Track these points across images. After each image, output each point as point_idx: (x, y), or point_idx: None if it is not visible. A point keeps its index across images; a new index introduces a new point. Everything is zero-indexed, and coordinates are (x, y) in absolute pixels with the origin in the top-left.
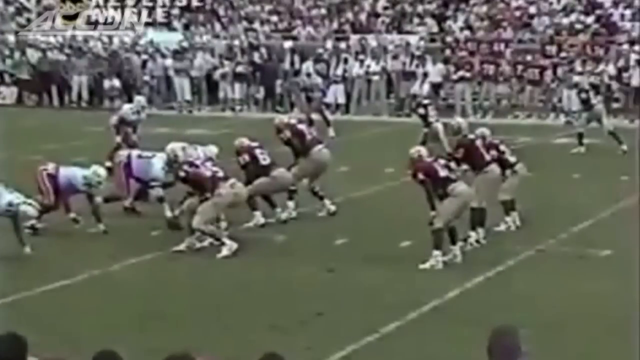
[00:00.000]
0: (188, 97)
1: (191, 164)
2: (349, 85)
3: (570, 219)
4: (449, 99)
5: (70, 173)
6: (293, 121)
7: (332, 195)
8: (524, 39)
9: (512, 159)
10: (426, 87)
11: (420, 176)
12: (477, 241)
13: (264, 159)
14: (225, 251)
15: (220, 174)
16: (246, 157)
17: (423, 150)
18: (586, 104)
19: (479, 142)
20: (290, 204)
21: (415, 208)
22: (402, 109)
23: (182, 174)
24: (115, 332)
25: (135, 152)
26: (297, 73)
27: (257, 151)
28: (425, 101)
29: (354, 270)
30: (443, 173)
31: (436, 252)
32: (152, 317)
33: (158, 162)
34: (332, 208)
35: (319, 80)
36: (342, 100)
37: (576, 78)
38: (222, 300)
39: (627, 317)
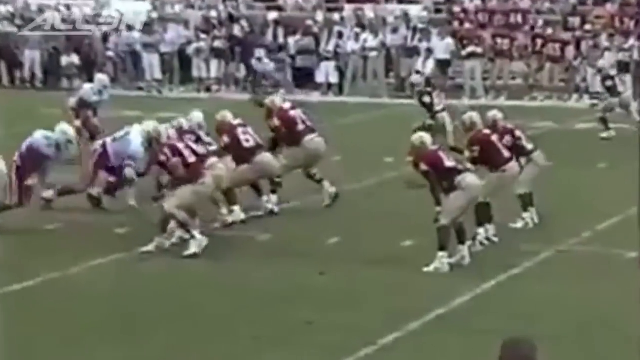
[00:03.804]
0: (158, 75)
1: (175, 151)
2: (342, 62)
3: (595, 215)
4: (456, 78)
5: (33, 140)
6: (286, 105)
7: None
8: (543, 9)
9: (528, 146)
10: (430, 65)
11: (423, 167)
12: (488, 239)
13: (247, 140)
14: (193, 248)
15: (205, 154)
16: (226, 138)
17: (427, 137)
18: (612, 91)
19: (495, 138)
20: (274, 197)
21: (418, 203)
22: (403, 89)
23: (162, 157)
24: (76, 343)
25: (109, 139)
26: (281, 49)
27: (240, 130)
28: (429, 88)
29: (348, 273)
30: (449, 163)
31: (441, 254)
32: (118, 327)
33: (136, 137)
34: (333, 190)
35: (271, 65)
36: (334, 79)
37: (600, 62)
38: (198, 307)
39: None
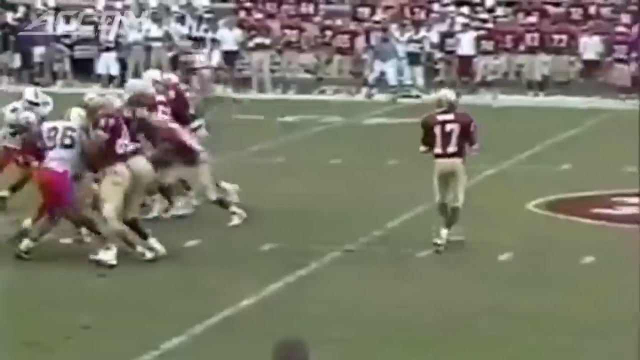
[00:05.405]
0: None
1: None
2: (124, 53)
3: (384, 213)
4: (244, 70)
5: None
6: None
7: None
8: None
9: None
10: (217, 57)
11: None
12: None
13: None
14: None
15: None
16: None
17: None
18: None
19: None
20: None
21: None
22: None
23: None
24: None
25: None
26: (58, 39)
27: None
28: None
29: (129, 273)
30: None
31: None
32: None
33: None
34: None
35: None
36: (115, 71)
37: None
38: None
39: (449, 327)
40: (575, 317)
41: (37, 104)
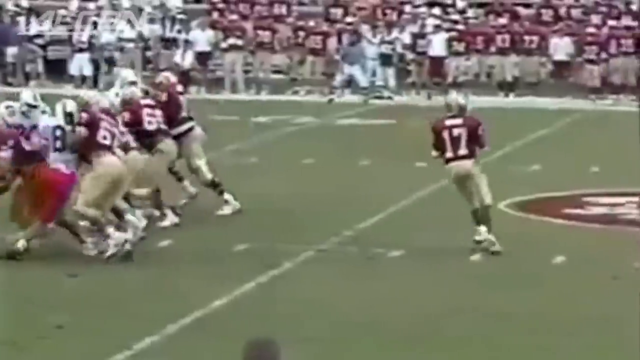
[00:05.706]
0: None
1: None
2: (97, 54)
3: (356, 213)
4: (217, 71)
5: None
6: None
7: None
8: (305, 0)
9: None
10: (190, 57)
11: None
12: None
13: None
14: (112, 247)
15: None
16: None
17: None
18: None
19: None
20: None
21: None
22: None
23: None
24: None
25: None
26: (31, 39)
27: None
28: None
29: (101, 274)
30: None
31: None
32: None
33: None
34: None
35: None
36: (88, 72)
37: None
38: None
39: (421, 326)
40: (546, 316)
41: (35, 107)
